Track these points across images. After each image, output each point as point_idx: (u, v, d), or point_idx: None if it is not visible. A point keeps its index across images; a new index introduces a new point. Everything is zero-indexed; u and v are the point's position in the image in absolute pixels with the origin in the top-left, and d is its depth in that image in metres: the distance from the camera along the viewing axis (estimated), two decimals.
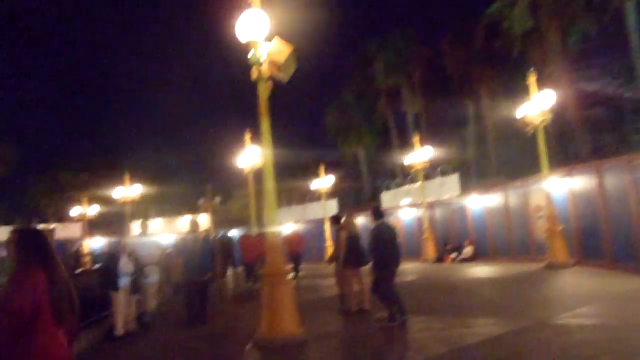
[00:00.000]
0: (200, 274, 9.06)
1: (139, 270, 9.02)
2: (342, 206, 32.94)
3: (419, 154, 23.65)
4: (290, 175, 37.90)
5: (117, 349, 8.26)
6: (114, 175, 37.34)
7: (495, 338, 6.97)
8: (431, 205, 24.11)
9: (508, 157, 30.52)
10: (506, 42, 26.61)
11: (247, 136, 19.94)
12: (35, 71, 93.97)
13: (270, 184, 7.77)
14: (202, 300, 9.22)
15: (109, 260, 9.22)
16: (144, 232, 10.41)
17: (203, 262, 9.10)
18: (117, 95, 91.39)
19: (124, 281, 8.71)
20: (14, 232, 3.52)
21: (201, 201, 40.23)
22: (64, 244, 33.51)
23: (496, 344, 6.72)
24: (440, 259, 21.78)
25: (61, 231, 36.17)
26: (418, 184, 25.13)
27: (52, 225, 36.07)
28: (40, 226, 36.94)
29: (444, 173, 25.82)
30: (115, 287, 8.66)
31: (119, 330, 8.65)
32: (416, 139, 23.98)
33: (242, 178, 21.41)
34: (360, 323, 8.80)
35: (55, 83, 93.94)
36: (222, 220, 39.22)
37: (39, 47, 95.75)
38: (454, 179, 25.09)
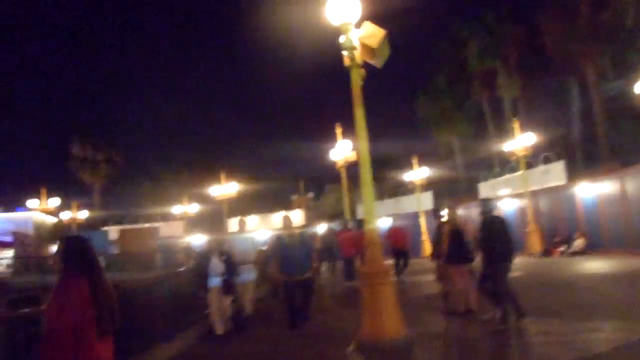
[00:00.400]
0: (300, 271, 8.63)
1: (232, 270, 8.76)
2: (437, 199, 31.83)
3: (519, 141, 22.23)
4: (382, 168, 37.21)
5: (215, 348, 8.15)
6: (211, 174, 38.73)
7: (629, 345, 6.09)
8: (535, 195, 22.54)
9: (620, 140, 27.98)
10: (616, 12, 24.25)
11: (339, 130, 19.64)
12: (136, 73, 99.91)
13: (367, 176, 7.32)
14: (305, 297, 8.84)
15: (200, 260, 9.16)
16: (241, 229, 10.31)
17: (303, 259, 8.66)
18: (212, 96, 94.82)
19: (214, 282, 8.59)
20: (61, 240, 3.42)
21: (294, 197, 40.86)
22: (168, 242, 35.08)
23: (632, 353, 5.86)
24: (547, 252, 20.30)
25: (164, 229, 37.95)
26: (519, 172, 23.61)
27: (156, 224, 38.00)
28: (146, 225, 39.13)
29: (547, 160, 24.06)
30: (205, 288, 8.65)
31: (218, 329, 8.61)
32: (515, 124, 22.53)
33: (334, 172, 21.22)
34: (468, 325, 8.14)
35: (154, 86, 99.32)
36: (316, 215, 39.47)
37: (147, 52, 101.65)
38: (558, 166, 23.30)
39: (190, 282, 9.63)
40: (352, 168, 20.84)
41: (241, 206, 40.00)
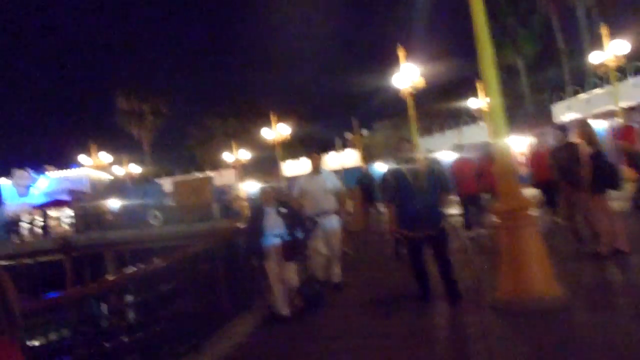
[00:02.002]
0: (430, 222, 5.61)
1: (296, 225, 6.27)
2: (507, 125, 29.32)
3: (604, 53, 19.47)
4: (441, 96, 34.71)
5: (280, 335, 5.79)
6: (260, 117, 37.29)
7: None
8: (630, 112, 19.85)
9: None
10: None
11: (401, 52, 17.44)
12: (177, 19, 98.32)
13: (491, 76, 5.48)
14: (442, 259, 5.69)
15: (253, 217, 6.64)
16: (315, 169, 7.39)
17: (433, 204, 5.64)
18: (256, 36, 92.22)
19: (272, 242, 6.12)
20: None
21: (348, 135, 38.98)
22: (223, 190, 34.24)
23: None
24: None
25: (217, 178, 37.13)
26: (601, 89, 21.01)
27: (209, 173, 37.17)
28: (199, 175, 38.41)
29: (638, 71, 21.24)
30: (260, 252, 6.19)
31: (281, 309, 6.08)
32: (604, 30, 19.66)
33: (386, 105, 19.25)
34: (627, 272, 6.33)
35: (195, 30, 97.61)
36: (370, 154, 37.63)
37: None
38: None
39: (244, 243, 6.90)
40: (418, 94, 18.91)
41: (293, 149, 38.58)
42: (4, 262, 26.42)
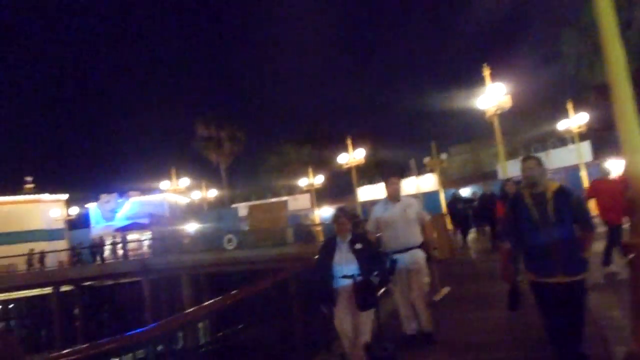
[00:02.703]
0: (566, 266, 3.96)
1: (377, 266, 4.81)
2: (597, 150, 27.20)
3: None
4: (525, 118, 32.81)
5: None
6: (336, 144, 36.95)
7: None
8: None
9: None
10: None
11: (486, 71, 16.38)
12: (258, 49, 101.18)
13: (625, 88, 4.45)
14: (574, 316, 4.04)
15: (322, 251, 5.03)
16: (393, 195, 5.80)
17: (568, 242, 3.97)
18: (331, 61, 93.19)
19: (341, 286, 4.76)
20: None
21: (426, 160, 37.62)
22: (297, 215, 33.94)
23: None
24: None
25: (292, 203, 36.93)
26: None
27: (284, 198, 37.07)
28: (274, 200, 38.41)
29: None
30: (327, 298, 4.84)
31: None
32: None
33: (464, 128, 18.02)
34: None
35: (272, 61, 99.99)
36: (448, 179, 36.13)
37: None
38: None
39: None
40: (503, 117, 17.67)
41: (368, 174, 37.80)
42: (88, 283, 27.47)
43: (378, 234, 5.92)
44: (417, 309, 5.58)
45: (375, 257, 4.94)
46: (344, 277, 4.68)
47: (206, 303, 4.63)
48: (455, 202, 14.63)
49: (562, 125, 26.18)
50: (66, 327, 25.29)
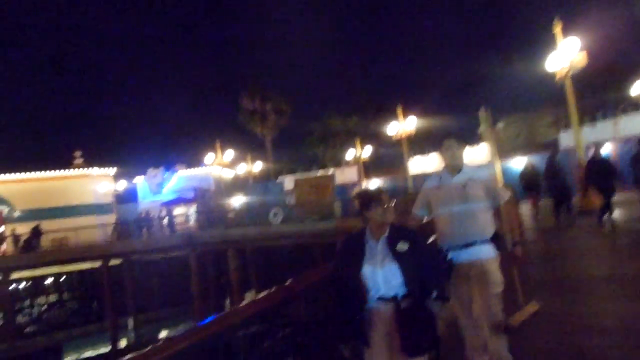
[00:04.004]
0: None
1: (435, 279, 3.02)
2: None
3: None
4: (596, 80, 30.24)
5: None
6: (384, 114, 35.50)
7: None
8: None
9: None
10: None
11: (557, 26, 14.61)
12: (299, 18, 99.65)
13: None
14: None
15: (342, 257, 3.17)
16: (452, 167, 3.92)
17: None
18: (379, 29, 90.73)
19: (375, 311, 3.00)
20: None
21: (481, 128, 35.77)
22: (345, 188, 32.91)
23: None
24: None
25: (339, 176, 35.88)
26: None
27: (330, 171, 36.04)
28: (320, 173, 37.46)
29: None
30: (347, 337, 3.03)
31: None
32: None
33: (515, 99, 16.28)
34: None
35: (316, 29, 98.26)
36: (504, 150, 34.12)
37: None
38: None
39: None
40: (577, 79, 15.86)
41: (418, 145, 36.20)
42: (136, 256, 27.51)
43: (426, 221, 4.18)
44: (485, 337, 3.59)
45: (432, 264, 3.06)
46: (380, 299, 2.93)
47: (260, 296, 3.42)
48: (527, 173, 12.99)
49: (636, 89, 23.88)
50: (116, 299, 25.38)
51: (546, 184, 12.09)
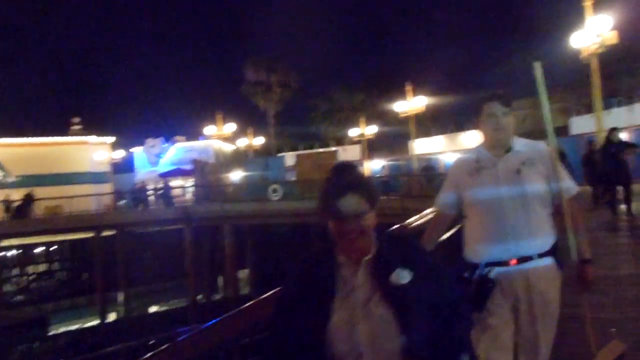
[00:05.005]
0: None
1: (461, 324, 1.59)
2: None
3: None
4: (613, 66, 28.91)
5: None
6: (391, 92, 34.28)
7: None
8: None
9: None
10: None
11: (588, 2, 13.42)
12: None
13: None
14: None
15: (288, 309, 1.64)
16: (497, 146, 2.58)
17: None
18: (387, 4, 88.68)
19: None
20: None
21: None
22: None
23: None
24: None
25: (342, 154, 34.88)
26: None
27: (334, 148, 35.08)
28: (322, 150, 36.45)
29: None
30: None
31: None
32: None
33: (525, 84, 15.13)
34: None
35: (329, 7, 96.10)
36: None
37: None
38: None
39: None
40: (605, 57, 14.73)
41: (423, 127, 35.06)
42: (130, 228, 26.69)
43: (457, 226, 2.92)
44: None
45: (458, 308, 1.59)
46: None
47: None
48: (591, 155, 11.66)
49: None
50: (107, 271, 24.63)
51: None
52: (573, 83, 30.31)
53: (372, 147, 36.78)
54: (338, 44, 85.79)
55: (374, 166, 35.56)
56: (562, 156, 11.66)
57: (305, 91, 48.55)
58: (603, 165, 9.94)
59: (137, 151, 37.65)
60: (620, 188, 9.71)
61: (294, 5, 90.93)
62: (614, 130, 10.01)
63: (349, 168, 1.64)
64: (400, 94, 27.92)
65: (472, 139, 30.30)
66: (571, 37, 13.88)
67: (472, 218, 2.51)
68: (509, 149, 2.47)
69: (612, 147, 9.69)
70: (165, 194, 28.29)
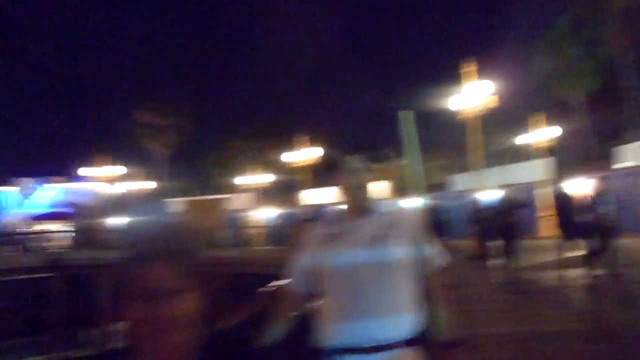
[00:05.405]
0: None
1: None
2: (560, 167, 25.92)
3: None
4: (490, 128, 31.45)
5: None
6: (286, 142, 34.47)
7: None
8: None
9: None
10: None
11: (471, 68, 14.32)
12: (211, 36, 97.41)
13: None
14: None
15: None
16: (356, 201, 2.28)
17: None
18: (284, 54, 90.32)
19: None
20: None
21: (380, 165, 35.85)
22: (236, 215, 31.29)
23: None
24: None
25: (233, 202, 34.22)
26: None
27: (224, 196, 34.31)
28: (214, 197, 35.51)
29: None
30: None
31: None
32: None
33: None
34: None
35: (222, 48, 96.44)
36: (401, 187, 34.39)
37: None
38: None
39: None
40: (485, 120, 15.71)
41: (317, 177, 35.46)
42: None
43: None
44: None
45: None
46: None
47: None
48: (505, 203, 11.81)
49: (523, 140, 24.94)
50: None
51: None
52: (454, 142, 32.29)
53: (266, 196, 36.49)
54: (234, 91, 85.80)
55: (265, 215, 35.16)
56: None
57: (200, 137, 47.57)
58: (499, 220, 10.06)
59: (9, 190, 34.42)
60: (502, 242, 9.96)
61: (191, 52, 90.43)
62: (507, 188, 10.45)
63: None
64: (296, 143, 28.13)
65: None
66: (450, 99, 14.70)
67: (327, 294, 2.06)
68: (370, 212, 2.13)
69: (506, 204, 10.00)
70: (35, 239, 25.84)
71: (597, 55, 29.27)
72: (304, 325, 2.20)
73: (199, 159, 45.56)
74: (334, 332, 1.98)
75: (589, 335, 5.24)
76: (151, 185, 41.18)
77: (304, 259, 2.15)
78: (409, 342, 1.95)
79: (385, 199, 29.58)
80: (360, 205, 2.12)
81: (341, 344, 1.95)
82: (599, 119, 29.40)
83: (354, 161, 2.12)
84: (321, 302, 2.08)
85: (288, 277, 2.20)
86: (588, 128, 29.80)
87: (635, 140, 23.51)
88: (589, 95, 30.02)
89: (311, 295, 2.17)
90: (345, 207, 2.16)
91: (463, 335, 2.06)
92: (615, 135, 25.66)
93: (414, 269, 2.06)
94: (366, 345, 1.91)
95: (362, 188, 2.12)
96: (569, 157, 26.85)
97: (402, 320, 1.97)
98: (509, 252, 9.78)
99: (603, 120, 29.12)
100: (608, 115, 28.93)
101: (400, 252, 2.03)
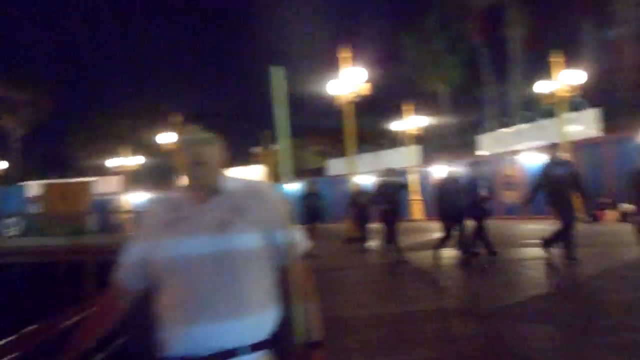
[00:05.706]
0: None
1: None
2: (426, 153, 27.62)
3: (551, 84, 18.20)
4: (363, 115, 32.58)
5: None
6: (159, 120, 32.83)
7: None
8: (576, 147, 18.50)
9: None
10: None
11: (346, 54, 14.49)
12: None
13: None
14: None
15: None
16: (198, 178, 1.89)
17: None
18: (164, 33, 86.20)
19: None
20: None
21: (257, 149, 35.49)
22: (103, 200, 29.36)
23: None
24: (594, 217, 16.49)
25: (99, 186, 31.95)
26: (535, 123, 19.96)
27: (90, 179, 31.92)
28: (78, 180, 32.91)
29: (577, 106, 20.14)
30: None
31: None
32: (556, 59, 18.23)
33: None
34: None
35: (93, 14, 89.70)
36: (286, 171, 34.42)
37: None
38: (589, 114, 19.64)
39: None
40: (362, 105, 16.06)
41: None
42: None
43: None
44: None
45: None
46: None
47: None
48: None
49: (396, 127, 26.14)
50: None
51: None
52: (330, 128, 32.99)
53: (136, 179, 34.57)
54: (103, 68, 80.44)
55: (135, 199, 33.36)
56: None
57: (62, 114, 43.84)
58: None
59: None
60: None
61: (50, 19, 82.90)
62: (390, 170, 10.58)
63: None
64: (170, 125, 26.91)
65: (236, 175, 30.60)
66: (327, 84, 14.85)
67: (163, 292, 1.70)
68: (215, 191, 1.77)
69: (389, 187, 10.03)
70: None
71: (461, 50, 31.52)
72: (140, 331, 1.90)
73: (63, 140, 42.00)
74: (170, 338, 1.65)
75: (465, 313, 5.52)
76: (4, 166, 37.18)
77: (136, 250, 1.79)
78: (259, 346, 1.67)
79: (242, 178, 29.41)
80: (202, 185, 1.76)
81: (178, 353, 1.63)
82: (462, 110, 31.77)
83: (193, 131, 1.76)
84: (159, 301, 1.71)
85: (116, 271, 1.83)
86: (451, 118, 32.06)
87: (492, 130, 25.73)
88: (453, 88, 32.27)
89: (147, 292, 1.79)
90: (186, 187, 1.80)
91: (322, 336, 1.75)
92: (476, 126, 27.80)
93: (267, 259, 1.75)
94: (207, 353, 1.60)
95: (204, 164, 1.73)
96: (434, 145, 28.71)
97: (250, 320, 1.66)
98: (390, 234, 10.00)
99: (465, 112, 31.49)
100: (469, 107, 31.33)
101: (250, 239, 1.70)
